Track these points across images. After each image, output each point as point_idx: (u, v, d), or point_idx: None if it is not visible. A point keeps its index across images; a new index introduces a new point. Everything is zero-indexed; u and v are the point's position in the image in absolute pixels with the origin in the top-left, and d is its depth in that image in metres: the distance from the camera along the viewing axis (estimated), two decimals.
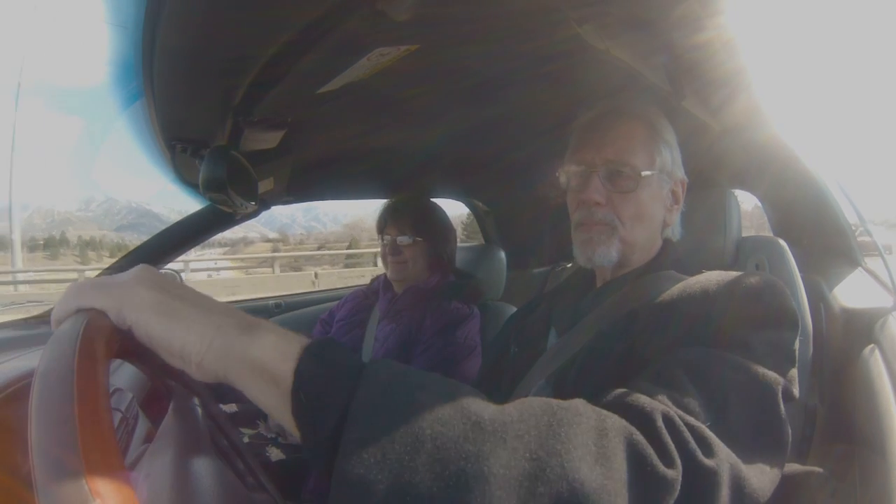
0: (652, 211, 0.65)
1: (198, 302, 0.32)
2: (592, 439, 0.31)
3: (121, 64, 0.67)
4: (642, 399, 0.37)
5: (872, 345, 0.80)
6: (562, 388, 0.58)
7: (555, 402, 0.33)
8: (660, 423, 0.34)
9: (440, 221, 1.27)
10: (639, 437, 0.33)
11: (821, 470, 0.56)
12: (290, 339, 0.32)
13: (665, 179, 0.66)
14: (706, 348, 0.45)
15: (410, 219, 1.22)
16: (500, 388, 0.70)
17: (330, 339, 0.33)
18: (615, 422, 0.33)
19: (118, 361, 0.32)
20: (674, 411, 0.36)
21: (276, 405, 0.30)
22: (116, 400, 0.66)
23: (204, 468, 0.40)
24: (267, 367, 0.30)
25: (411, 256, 1.20)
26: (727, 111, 0.86)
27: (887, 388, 0.68)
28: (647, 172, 0.63)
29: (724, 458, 0.35)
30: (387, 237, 1.23)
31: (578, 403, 0.34)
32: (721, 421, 0.38)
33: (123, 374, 0.80)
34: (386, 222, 1.24)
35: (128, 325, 0.31)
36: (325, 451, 0.28)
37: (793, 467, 0.53)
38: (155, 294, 0.32)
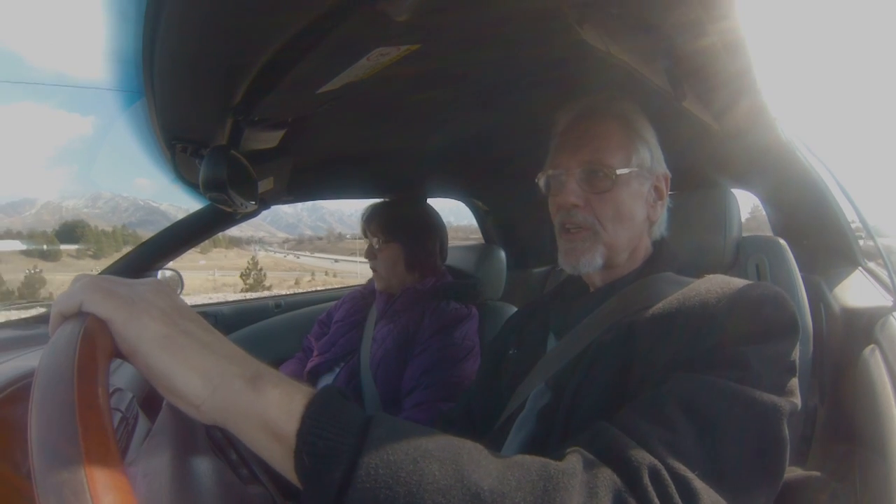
0: (632, 210, 0.64)
1: (205, 341, 0.32)
2: (584, 500, 0.33)
3: (121, 64, 0.67)
4: (632, 450, 0.37)
5: (873, 345, 0.80)
6: (561, 395, 0.58)
7: (552, 465, 0.34)
8: (646, 480, 0.35)
9: (414, 222, 1.25)
10: (627, 495, 0.34)
11: (819, 474, 0.56)
12: (293, 394, 0.31)
13: (645, 176, 0.65)
14: (704, 376, 0.44)
15: (381, 223, 1.23)
16: (498, 390, 0.70)
17: (333, 394, 0.32)
18: (605, 479, 0.35)
19: (118, 361, 0.31)
20: (662, 462, 0.37)
21: (280, 461, 0.31)
22: (116, 400, 0.66)
23: (199, 461, 0.40)
24: (270, 425, 0.30)
25: (384, 259, 1.21)
26: (729, 114, 0.86)
27: (887, 389, 0.68)
28: (624, 171, 0.63)
29: None
30: (368, 242, 1.25)
31: (573, 460, 0.36)
32: (714, 459, 0.39)
33: (123, 374, 0.80)
34: (366, 228, 1.26)
35: (127, 350, 0.31)
36: None
37: (793, 472, 0.53)
38: (160, 327, 0.31)
